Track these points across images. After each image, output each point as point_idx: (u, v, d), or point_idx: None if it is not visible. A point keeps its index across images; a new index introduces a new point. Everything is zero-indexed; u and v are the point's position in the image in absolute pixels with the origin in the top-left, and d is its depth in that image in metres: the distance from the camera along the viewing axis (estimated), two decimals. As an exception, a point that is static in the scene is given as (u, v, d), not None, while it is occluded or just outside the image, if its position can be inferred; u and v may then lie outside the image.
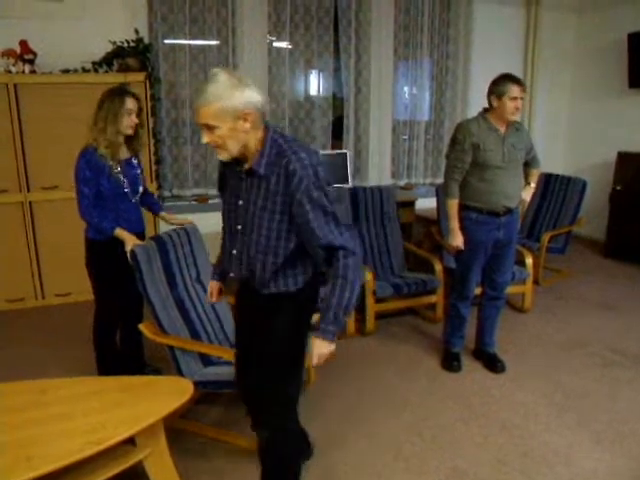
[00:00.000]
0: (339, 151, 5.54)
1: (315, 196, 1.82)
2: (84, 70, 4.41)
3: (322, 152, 5.47)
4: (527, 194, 3.54)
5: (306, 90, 5.69)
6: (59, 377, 2.49)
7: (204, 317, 3.08)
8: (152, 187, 4.72)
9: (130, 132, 3.04)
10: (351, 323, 4.05)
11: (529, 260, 4.46)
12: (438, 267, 4.26)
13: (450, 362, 3.61)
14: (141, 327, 2.76)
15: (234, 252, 2.02)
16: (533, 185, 3.60)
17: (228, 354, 2.63)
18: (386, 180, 5.91)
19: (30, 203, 4.43)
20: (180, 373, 2.72)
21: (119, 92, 3.02)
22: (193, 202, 5.28)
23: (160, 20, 4.88)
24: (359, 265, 1.88)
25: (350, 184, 5.32)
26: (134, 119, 3.03)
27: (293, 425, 2.25)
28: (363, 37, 5.62)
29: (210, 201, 5.29)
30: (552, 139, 6.62)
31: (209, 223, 5.16)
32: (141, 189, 3.20)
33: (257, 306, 2.06)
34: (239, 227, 1.97)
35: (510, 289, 4.61)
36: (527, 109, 6.46)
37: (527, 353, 3.83)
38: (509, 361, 3.65)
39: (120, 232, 2.93)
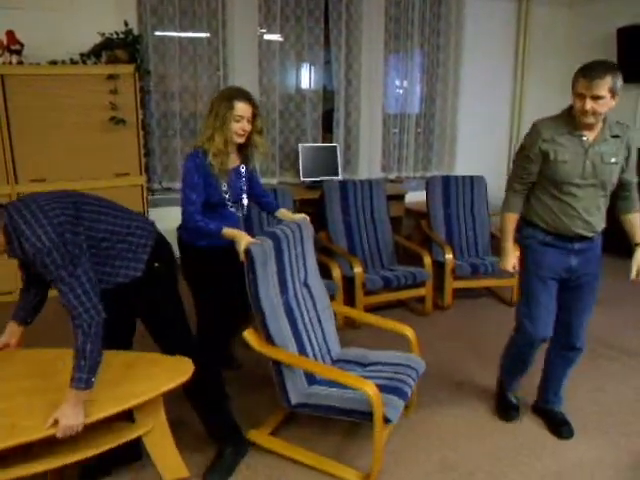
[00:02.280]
0: (329, 144, 5.54)
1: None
2: (72, 62, 4.38)
3: (312, 145, 5.47)
4: (636, 261, 2.68)
5: (297, 83, 5.67)
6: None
7: (310, 327, 2.78)
8: (142, 179, 4.72)
9: (240, 140, 2.77)
10: (342, 317, 4.06)
11: (517, 253, 4.46)
12: (427, 260, 4.27)
13: (507, 411, 3.01)
14: (246, 335, 2.48)
15: None
16: None
17: (342, 377, 2.48)
18: (376, 173, 5.91)
19: (18, 195, 4.40)
20: (284, 390, 2.51)
21: (228, 96, 2.74)
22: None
23: (149, 12, 4.85)
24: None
25: (340, 177, 5.32)
26: (245, 126, 2.73)
27: None
28: (354, 30, 5.61)
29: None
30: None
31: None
32: (245, 201, 2.96)
33: None
34: None
35: (499, 282, 4.67)
36: (518, 104, 6.48)
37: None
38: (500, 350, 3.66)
39: (229, 231, 2.62)
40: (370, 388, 2.30)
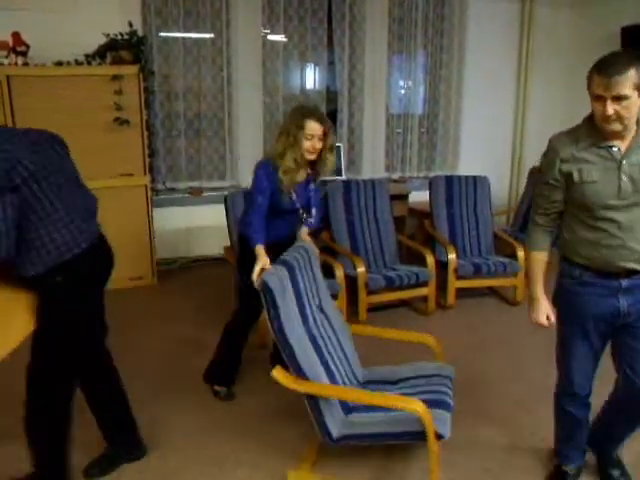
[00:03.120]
0: (332, 144, 5.54)
1: None
2: (77, 62, 4.40)
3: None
4: None
5: (300, 83, 5.69)
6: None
7: (334, 353, 2.63)
8: (146, 180, 4.74)
9: (311, 158, 2.83)
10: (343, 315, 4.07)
11: (521, 253, 4.47)
12: (430, 260, 4.29)
13: None
14: (275, 374, 2.31)
15: None
16: None
17: (389, 400, 2.41)
18: (380, 173, 5.92)
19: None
20: (323, 425, 2.32)
21: (301, 113, 2.81)
22: (187, 195, 5.29)
23: (154, 13, 4.88)
24: None
25: (344, 177, 5.33)
26: (316, 144, 2.79)
27: None
28: (357, 30, 5.63)
29: (204, 194, 5.30)
30: (547, 134, 6.60)
31: (203, 216, 5.22)
32: (314, 210, 3.03)
33: None
34: None
35: (501, 281, 4.67)
36: (521, 104, 6.48)
37: (521, 343, 3.88)
38: (503, 349, 3.67)
39: (259, 250, 2.69)
40: (418, 406, 2.19)
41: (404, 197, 5.41)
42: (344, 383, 2.57)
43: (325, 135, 2.81)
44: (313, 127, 2.76)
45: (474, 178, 4.94)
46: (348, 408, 2.48)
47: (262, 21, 5.26)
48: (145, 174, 4.75)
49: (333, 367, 2.53)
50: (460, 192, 4.88)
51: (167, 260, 5.32)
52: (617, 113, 1.90)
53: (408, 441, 2.37)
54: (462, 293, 4.59)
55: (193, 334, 4.00)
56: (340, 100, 5.70)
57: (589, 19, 6.31)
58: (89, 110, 4.41)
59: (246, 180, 5.35)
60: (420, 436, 2.22)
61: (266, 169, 2.82)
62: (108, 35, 4.46)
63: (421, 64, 6.03)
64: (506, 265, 4.54)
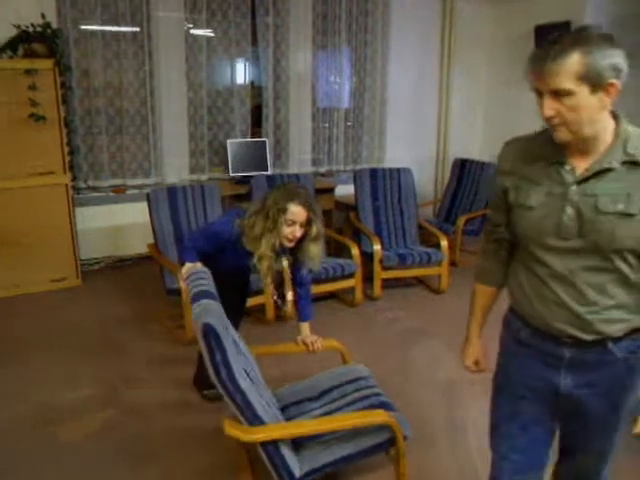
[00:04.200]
0: (258, 139, 5.54)
1: None
2: (-14, 55, 4.22)
3: (241, 140, 5.46)
4: None
5: (224, 78, 5.64)
6: None
7: (261, 388, 2.24)
8: (66, 178, 4.59)
9: (289, 245, 2.54)
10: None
11: (444, 242, 4.61)
12: (355, 251, 4.36)
13: None
14: (232, 432, 1.99)
15: None
16: None
17: (347, 422, 2.19)
18: (306, 168, 5.95)
19: None
20: (285, 468, 2.04)
21: (284, 195, 2.49)
22: (110, 193, 5.16)
23: (69, 5, 4.71)
24: None
25: (270, 172, 5.33)
26: (297, 232, 2.49)
27: None
28: (281, 25, 5.62)
29: (129, 192, 5.19)
30: (469, 127, 6.83)
31: (128, 214, 5.10)
32: (289, 296, 2.90)
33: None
34: None
35: (426, 271, 4.79)
36: (444, 97, 6.64)
37: (441, 328, 3.99)
38: (425, 338, 3.77)
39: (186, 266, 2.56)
40: (381, 416, 2.10)
41: (330, 191, 5.46)
42: (272, 416, 2.12)
43: (309, 222, 2.53)
44: (296, 212, 2.47)
45: (398, 170, 5.05)
46: (298, 443, 2.20)
47: (185, 15, 5.19)
48: (65, 172, 4.60)
49: (264, 402, 2.13)
50: (384, 185, 4.97)
51: (92, 260, 5.18)
52: (560, 115, 1.40)
53: (376, 453, 2.25)
54: (389, 284, 4.69)
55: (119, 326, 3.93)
56: (265, 95, 5.68)
57: (508, 16, 6.52)
58: (1, 106, 4.22)
59: (170, 177, 5.30)
60: (387, 445, 2.18)
61: (231, 229, 2.58)
62: (19, 27, 4.28)
63: (346, 59, 6.09)
64: (430, 255, 4.66)
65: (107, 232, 5.19)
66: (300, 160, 5.95)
